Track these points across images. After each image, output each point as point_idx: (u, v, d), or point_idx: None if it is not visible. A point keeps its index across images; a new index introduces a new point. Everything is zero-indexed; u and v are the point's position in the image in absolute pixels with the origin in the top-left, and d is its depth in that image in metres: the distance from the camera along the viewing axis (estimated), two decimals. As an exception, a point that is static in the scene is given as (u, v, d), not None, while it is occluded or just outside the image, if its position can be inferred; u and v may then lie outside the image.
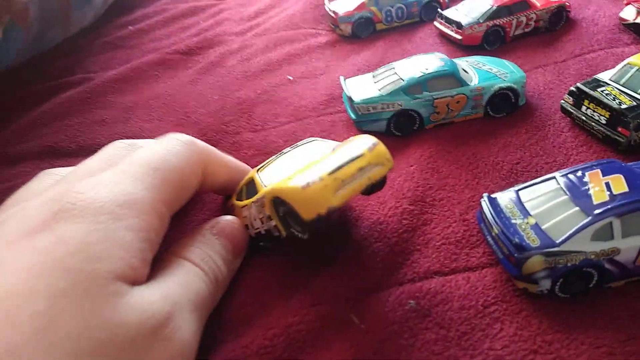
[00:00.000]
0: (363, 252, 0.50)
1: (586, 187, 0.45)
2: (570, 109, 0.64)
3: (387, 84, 0.67)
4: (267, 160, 0.53)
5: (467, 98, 0.66)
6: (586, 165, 0.48)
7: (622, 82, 0.61)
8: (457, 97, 0.66)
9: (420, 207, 0.54)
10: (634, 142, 0.57)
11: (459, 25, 0.85)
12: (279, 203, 0.44)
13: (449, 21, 0.88)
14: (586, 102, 0.61)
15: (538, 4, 0.87)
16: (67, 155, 0.72)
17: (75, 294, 0.32)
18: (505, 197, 0.48)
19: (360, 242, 0.51)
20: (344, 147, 0.46)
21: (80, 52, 1.04)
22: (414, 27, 0.99)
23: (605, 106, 0.59)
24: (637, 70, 0.61)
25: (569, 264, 0.42)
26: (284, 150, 0.53)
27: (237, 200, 0.51)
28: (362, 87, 0.69)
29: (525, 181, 0.50)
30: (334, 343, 0.41)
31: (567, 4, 0.88)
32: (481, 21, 0.84)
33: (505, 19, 0.85)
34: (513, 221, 0.45)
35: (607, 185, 0.45)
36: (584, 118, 0.62)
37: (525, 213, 0.45)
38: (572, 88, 0.63)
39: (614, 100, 0.59)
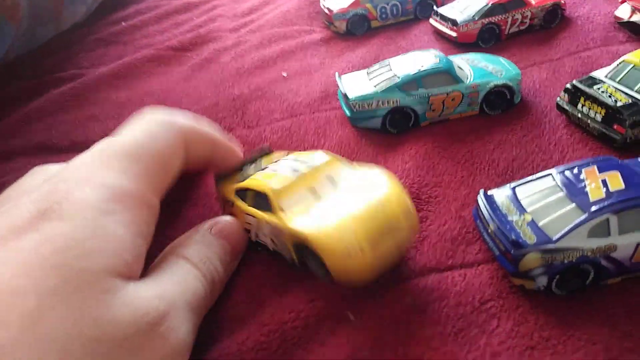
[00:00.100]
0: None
1: (583, 184, 0.45)
2: (565, 107, 0.64)
3: (382, 81, 0.67)
4: (276, 166, 0.49)
5: (462, 95, 0.66)
6: (583, 162, 0.48)
7: (617, 79, 0.61)
8: (453, 94, 0.66)
9: (416, 204, 0.53)
10: (630, 140, 0.57)
11: (454, 23, 0.85)
12: (306, 246, 0.43)
13: (444, 18, 0.88)
14: (582, 100, 0.61)
15: (533, 2, 0.87)
16: (60, 151, 0.71)
17: (66, 291, 0.31)
18: (501, 194, 0.48)
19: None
20: (378, 201, 0.43)
21: (73, 48, 1.03)
22: (409, 24, 0.99)
23: (601, 104, 0.59)
24: (633, 67, 0.61)
25: (565, 261, 0.41)
26: (295, 158, 0.50)
27: (238, 199, 0.49)
28: (357, 84, 0.68)
29: (521, 178, 0.50)
30: (330, 339, 0.41)
31: (562, 2, 0.88)
32: (476, 19, 0.84)
33: (500, 16, 0.85)
34: (509, 218, 0.45)
35: (604, 182, 0.44)
36: (579, 115, 0.62)
37: (522, 210, 0.45)
38: (567, 85, 0.63)
39: (610, 97, 0.59)
